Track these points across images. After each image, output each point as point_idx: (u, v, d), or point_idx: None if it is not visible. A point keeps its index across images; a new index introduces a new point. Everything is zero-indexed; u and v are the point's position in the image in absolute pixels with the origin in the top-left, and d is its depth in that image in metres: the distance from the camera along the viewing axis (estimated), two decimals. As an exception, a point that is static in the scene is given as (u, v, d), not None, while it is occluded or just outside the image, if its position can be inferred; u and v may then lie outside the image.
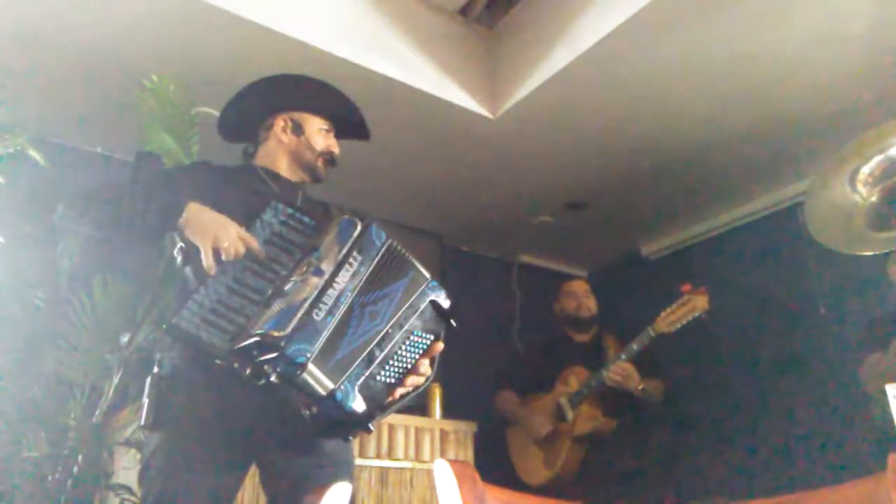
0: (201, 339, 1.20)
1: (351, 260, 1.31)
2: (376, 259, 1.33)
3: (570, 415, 2.79)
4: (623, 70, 2.55)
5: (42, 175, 2.33)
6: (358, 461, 2.47)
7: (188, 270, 1.34)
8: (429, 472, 2.65)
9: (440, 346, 1.43)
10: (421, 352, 1.40)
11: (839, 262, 2.86)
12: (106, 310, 2.18)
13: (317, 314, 1.23)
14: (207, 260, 1.26)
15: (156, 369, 1.38)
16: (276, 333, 1.18)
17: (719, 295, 2.71)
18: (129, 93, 2.31)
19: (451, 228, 3.88)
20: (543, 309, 3.34)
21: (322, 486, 1.35)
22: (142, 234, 1.39)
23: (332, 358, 1.24)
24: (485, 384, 3.12)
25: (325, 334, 1.23)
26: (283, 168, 1.67)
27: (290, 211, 1.37)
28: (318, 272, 1.27)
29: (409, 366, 1.38)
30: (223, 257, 1.27)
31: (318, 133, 1.70)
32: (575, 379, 2.84)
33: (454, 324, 1.44)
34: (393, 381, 1.35)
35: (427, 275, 1.41)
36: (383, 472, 2.60)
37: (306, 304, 1.23)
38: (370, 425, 1.32)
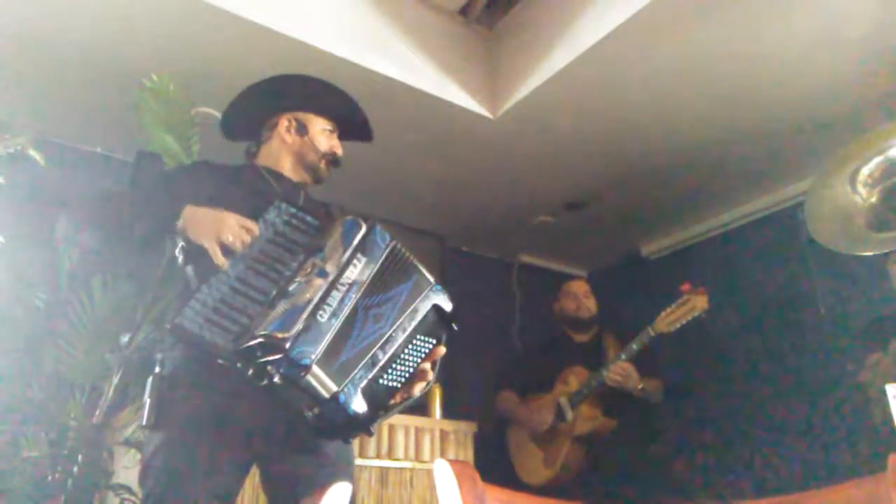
0: (204, 338, 1.20)
1: (355, 261, 1.30)
2: (380, 261, 1.33)
3: (569, 415, 2.79)
4: (623, 70, 2.55)
5: (42, 175, 2.33)
6: (358, 461, 2.47)
7: (190, 270, 1.33)
8: (429, 472, 2.65)
9: (442, 350, 1.43)
10: (423, 355, 1.40)
11: (839, 262, 2.87)
12: (106, 310, 2.19)
13: (321, 316, 1.23)
14: (217, 258, 1.26)
15: (157, 369, 1.38)
16: (280, 335, 1.18)
17: (719, 295, 2.72)
18: (129, 93, 2.31)
19: (452, 229, 3.88)
20: (543, 309, 3.34)
21: (322, 487, 1.35)
22: (139, 242, 1.40)
23: (336, 360, 1.24)
24: (485, 384, 3.12)
25: (329, 336, 1.23)
26: (287, 168, 1.67)
27: (293, 210, 1.37)
28: (323, 273, 1.27)
29: (412, 369, 1.38)
30: (232, 249, 1.27)
31: (322, 133, 1.70)
32: (575, 379, 2.84)
33: (456, 328, 1.44)
34: (395, 384, 1.35)
35: (431, 278, 1.41)
36: (383, 472, 2.60)
37: (310, 306, 1.22)
38: (371, 428, 1.32)
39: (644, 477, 2.68)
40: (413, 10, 2.76)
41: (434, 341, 1.41)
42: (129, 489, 2.07)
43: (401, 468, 2.64)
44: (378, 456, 2.60)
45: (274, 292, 1.26)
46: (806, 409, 3.06)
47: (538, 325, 3.80)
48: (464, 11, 2.88)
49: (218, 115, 2.17)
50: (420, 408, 2.92)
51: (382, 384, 1.33)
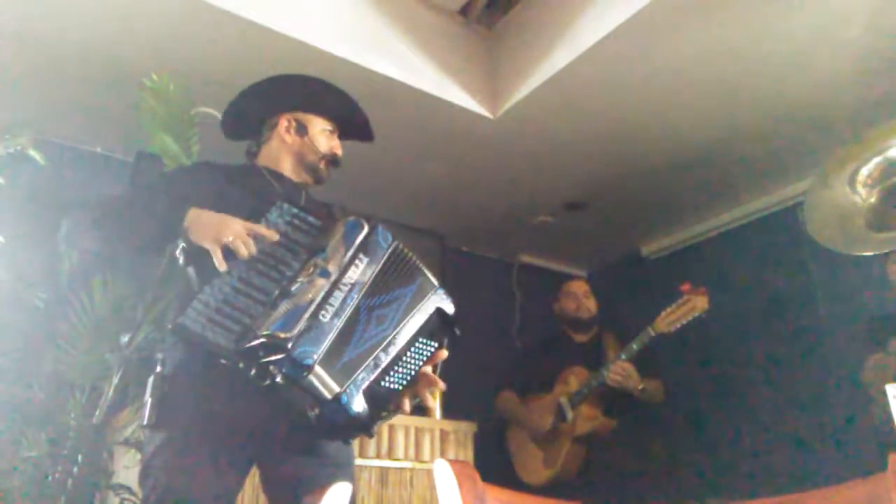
0: (207, 338, 1.20)
1: (357, 261, 1.30)
2: (382, 261, 1.33)
3: (570, 415, 2.79)
4: (623, 70, 2.55)
5: (42, 175, 2.33)
6: (358, 461, 2.47)
7: (191, 270, 1.33)
8: (429, 472, 2.65)
9: (444, 353, 1.43)
10: (425, 358, 1.40)
11: (839, 262, 2.87)
12: (106, 310, 2.19)
13: (323, 316, 1.23)
14: (219, 261, 1.26)
15: (158, 369, 1.38)
16: (282, 335, 1.18)
17: (719, 295, 2.72)
18: (129, 93, 2.31)
19: (452, 228, 3.88)
20: (543, 309, 3.34)
21: (322, 487, 1.35)
22: (144, 246, 1.40)
23: (338, 361, 1.24)
24: (485, 384, 3.12)
25: (332, 336, 1.23)
26: (287, 168, 1.67)
27: (295, 211, 1.37)
28: (325, 273, 1.27)
29: (414, 372, 1.38)
30: (237, 254, 1.27)
31: (322, 134, 1.69)
32: (575, 379, 2.84)
33: (457, 332, 1.44)
34: (396, 386, 1.35)
35: (435, 281, 1.41)
36: (383, 472, 2.60)
37: (313, 306, 1.22)
38: (372, 430, 1.32)
39: (644, 477, 2.68)
40: (413, 10, 2.76)
41: (436, 344, 1.41)
42: (129, 489, 2.07)
43: (401, 468, 2.64)
44: (378, 456, 2.60)
45: (276, 292, 1.25)
46: (806, 409, 3.06)
47: (538, 325, 3.80)
48: (464, 11, 2.88)
49: (218, 115, 2.17)
50: (420, 408, 2.92)
51: (384, 386, 1.33)
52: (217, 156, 1.72)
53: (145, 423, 1.33)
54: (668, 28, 2.33)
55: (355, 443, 1.57)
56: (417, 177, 3.33)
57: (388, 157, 3.04)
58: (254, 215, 1.35)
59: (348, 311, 1.26)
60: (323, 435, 1.37)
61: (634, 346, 2.68)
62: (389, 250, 1.35)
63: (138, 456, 2.07)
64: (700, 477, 3.20)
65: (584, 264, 4.43)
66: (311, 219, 1.37)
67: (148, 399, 1.34)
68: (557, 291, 3.20)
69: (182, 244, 1.33)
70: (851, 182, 2.06)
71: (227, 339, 1.20)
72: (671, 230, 3.91)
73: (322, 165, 1.68)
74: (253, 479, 1.61)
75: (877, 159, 2.03)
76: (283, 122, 1.68)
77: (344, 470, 1.45)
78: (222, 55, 2.43)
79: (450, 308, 1.42)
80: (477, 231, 3.93)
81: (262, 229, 1.31)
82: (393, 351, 1.32)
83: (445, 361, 1.45)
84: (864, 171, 2.04)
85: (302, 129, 1.67)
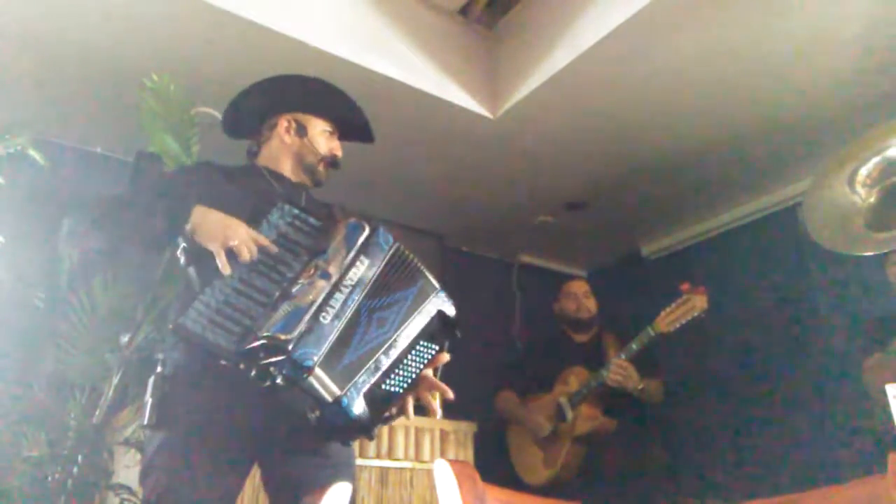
0: (207, 339, 1.20)
1: (358, 263, 1.30)
2: (384, 263, 1.33)
3: (569, 415, 2.79)
4: (623, 70, 2.55)
5: (42, 175, 2.33)
6: (358, 461, 2.47)
7: (192, 271, 1.33)
8: (429, 472, 2.65)
9: (446, 357, 1.43)
10: (426, 361, 1.40)
11: (839, 262, 2.87)
12: (106, 310, 2.19)
13: (324, 318, 1.23)
14: (222, 263, 1.26)
15: (159, 369, 1.38)
16: (283, 336, 1.18)
17: (719, 295, 2.72)
18: (129, 93, 2.31)
19: (452, 228, 3.88)
20: (543, 309, 3.34)
21: (322, 487, 1.35)
22: (150, 243, 1.40)
23: (339, 363, 1.24)
24: (485, 384, 3.12)
25: (332, 338, 1.23)
26: (287, 169, 1.67)
27: (296, 212, 1.36)
28: (326, 275, 1.27)
29: (414, 375, 1.38)
30: (238, 258, 1.27)
31: (321, 135, 1.69)
32: (575, 379, 2.84)
33: (459, 335, 1.43)
34: (397, 389, 1.35)
35: (436, 284, 1.40)
36: (383, 472, 2.60)
37: (314, 308, 1.22)
38: (372, 432, 1.32)
39: (644, 477, 2.68)
40: (413, 10, 2.76)
41: (437, 347, 1.41)
42: (129, 489, 2.07)
43: (401, 468, 2.64)
44: (378, 456, 2.60)
45: (277, 294, 1.25)
46: (806, 409, 3.06)
47: (538, 325, 3.80)
48: (464, 11, 2.88)
49: (218, 115, 2.17)
50: (420, 408, 2.92)
51: (385, 389, 1.32)
52: (217, 156, 1.72)
53: (146, 423, 1.33)
54: (668, 28, 2.33)
55: (355, 443, 1.57)
56: (417, 177, 3.33)
57: (388, 157, 3.04)
58: (255, 216, 1.35)
59: (349, 313, 1.26)
60: (323, 437, 1.37)
61: (634, 346, 2.68)
62: (390, 252, 1.35)
63: (138, 456, 2.07)
64: (700, 477, 3.21)
65: (584, 264, 4.43)
66: (311, 220, 1.37)
67: (148, 399, 1.34)
68: (557, 291, 3.20)
69: (183, 244, 1.33)
70: (850, 182, 2.06)
71: (228, 340, 1.20)
72: (671, 230, 3.91)
73: (320, 167, 1.68)
74: (253, 479, 1.61)
75: (876, 159, 2.03)
76: (283, 123, 1.68)
77: (344, 470, 1.45)
78: (222, 55, 2.43)
79: (451, 311, 1.42)
80: (477, 231, 3.93)
81: (263, 240, 1.30)
82: (394, 353, 1.32)
83: (446, 362, 1.45)
84: (863, 171, 2.04)
85: (301, 130, 1.67)
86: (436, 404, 1.43)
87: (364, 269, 1.31)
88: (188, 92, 2.30)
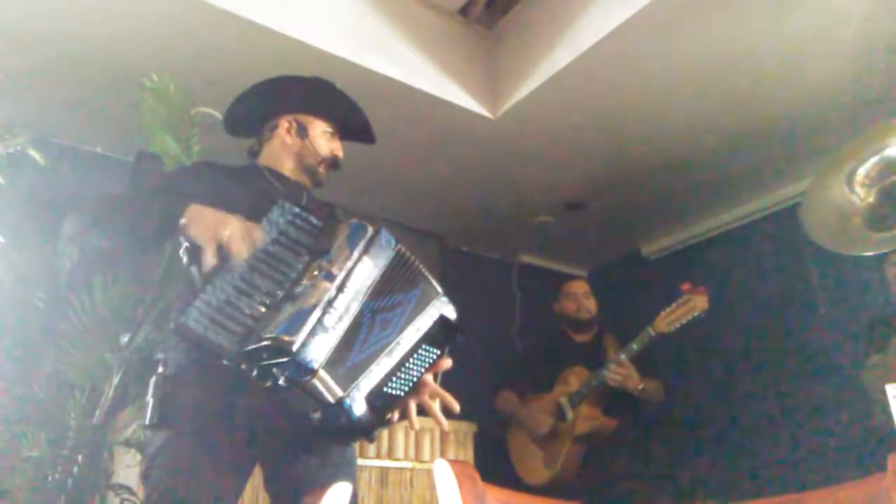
0: (209, 339, 1.19)
1: (361, 264, 1.30)
2: (386, 265, 1.33)
3: (569, 414, 2.79)
4: (623, 70, 2.55)
5: (42, 175, 2.33)
6: (358, 461, 2.47)
7: (194, 270, 1.33)
8: (429, 472, 2.65)
9: (448, 363, 1.43)
10: (427, 365, 1.40)
11: (839, 262, 2.87)
12: (106, 310, 2.18)
13: (327, 319, 1.22)
14: (207, 255, 1.25)
15: (160, 369, 1.38)
16: (287, 337, 1.17)
17: (719, 295, 2.72)
18: (129, 93, 2.31)
19: (452, 229, 3.88)
20: (543, 309, 3.34)
21: (323, 487, 1.35)
22: (144, 242, 1.39)
23: (342, 365, 1.23)
24: (485, 384, 3.12)
25: (336, 340, 1.22)
26: (288, 169, 1.67)
27: (296, 210, 1.36)
28: (329, 276, 1.26)
29: (416, 379, 1.37)
30: (231, 248, 1.26)
31: (322, 136, 1.69)
32: (575, 379, 2.84)
33: (460, 339, 1.43)
34: (399, 393, 1.35)
35: (439, 288, 1.40)
36: (383, 472, 2.60)
37: (317, 309, 1.22)
38: (373, 435, 1.32)
39: (644, 477, 2.68)
40: (413, 10, 2.76)
41: (438, 352, 1.41)
42: (129, 489, 2.07)
43: (401, 468, 2.65)
44: (378, 456, 2.60)
45: (280, 294, 1.25)
46: (806, 409, 3.06)
47: (538, 325, 3.80)
48: (464, 11, 2.88)
49: (218, 115, 2.17)
50: (420, 409, 2.92)
51: (386, 392, 1.32)
52: (217, 156, 1.72)
53: (147, 423, 1.33)
54: (668, 28, 2.33)
55: (355, 443, 1.57)
56: (417, 177, 3.33)
57: (388, 157, 3.03)
58: (255, 214, 1.35)
59: (352, 315, 1.26)
60: (324, 438, 1.37)
61: (634, 346, 2.68)
62: (393, 254, 1.34)
63: (138, 456, 2.07)
64: (700, 477, 3.20)
65: (584, 264, 4.43)
66: (313, 219, 1.36)
67: (150, 399, 1.34)
68: (557, 291, 3.20)
69: (185, 244, 1.32)
70: (849, 182, 2.06)
71: (229, 340, 1.20)
72: (671, 230, 3.91)
73: (321, 168, 1.68)
74: (253, 479, 1.61)
75: (874, 159, 2.03)
76: (284, 124, 1.68)
77: (345, 470, 1.45)
78: (222, 55, 2.43)
79: (453, 315, 1.42)
80: (477, 231, 3.93)
81: (255, 232, 1.29)
82: (396, 357, 1.32)
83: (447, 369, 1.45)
84: (862, 171, 2.04)
85: (302, 131, 1.67)
86: (440, 416, 1.42)
87: (367, 271, 1.30)
88: (188, 92, 2.30)
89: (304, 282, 1.26)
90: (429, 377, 1.42)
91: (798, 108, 2.78)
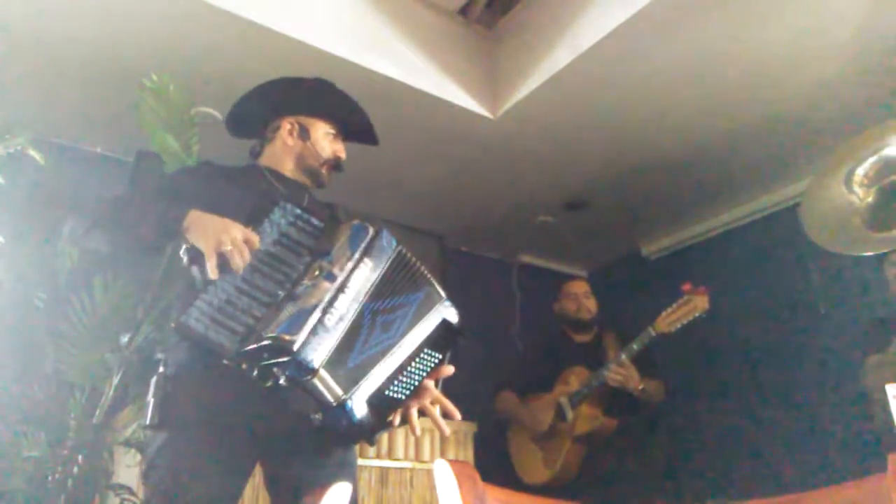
0: (210, 338, 1.19)
1: (362, 265, 1.30)
2: (387, 265, 1.33)
3: (570, 414, 2.79)
4: (623, 70, 2.55)
5: (42, 175, 2.33)
6: (358, 461, 2.47)
7: (195, 270, 1.33)
8: (429, 472, 2.65)
9: (450, 369, 1.43)
10: (428, 370, 1.39)
11: (839, 262, 2.87)
12: (106, 310, 2.18)
13: (328, 319, 1.22)
14: (211, 265, 1.26)
15: (161, 369, 1.38)
16: (287, 337, 1.17)
17: (719, 295, 2.71)
18: (129, 93, 2.31)
19: (452, 229, 3.88)
20: (543, 309, 3.34)
21: (323, 487, 1.35)
22: (144, 244, 1.39)
23: (343, 365, 1.23)
24: (485, 384, 3.12)
25: (336, 340, 1.23)
26: (289, 170, 1.67)
27: (298, 211, 1.36)
28: (330, 277, 1.26)
29: (417, 383, 1.37)
30: (230, 263, 1.25)
31: (325, 138, 1.69)
32: (575, 379, 2.84)
33: (462, 342, 1.43)
34: (400, 396, 1.35)
35: (442, 293, 1.40)
36: (383, 472, 2.60)
37: (318, 309, 1.22)
38: (374, 437, 1.32)
39: (644, 477, 2.68)
40: (413, 10, 2.76)
41: (440, 356, 1.41)
42: (129, 489, 2.07)
43: (401, 468, 2.65)
44: (378, 456, 2.60)
45: (281, 294, 1.25)
46: (806, 409, 3.06)
47: (538, 325, 3.80)
48: (464, 11, 2.89)
49: (218, 115, 2.17)
50: (420, 411, 2.92)
51: (388, 395, 1.32)
52: (217, 156, 1.72)
53: (147, 423, 1.33)
54: (668, 28, 2.33)
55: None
56: (417, 177, 3.33)
57: (388, 157, 3.03)
58: (256, 215, 1.35)
59: (353, 316, 1.26)
60: (324, 439, 1.37)
61: (635, 346, 2.68)
62: (394, 255, 1.34)
63: (138, 456, 2.07)
64: (700, 477, 3.21)
65: (584, 264, 4.43)
66: (314, 220, 1.36)
67: (150, 399, 1.34)
68: (557, 291, 3.20)
69: (185, 245, 1.33)
70: (848, 182, 2.05)
71: (230, 340, 1.20)
72: (671, 230, 3.91)
73: (324, 171, 1.68)
74: (253, 479, 1.61)
75: (872, 158, 2.03)
76: (286, 126, 1.68)
77: (346, 470, 1.45)
78: (222, 55, 2.43)
79: (455, 319, 1.41)
80: (477, 231, 3.93)
81: (255, 242, 1.28)
82: (398, 360, 1.32)
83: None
84: (860, 171, 2.04)
85: (304, 133, 1.67)
86: (441, 421, 1.42)
87: (368, 272, 1.30)
88: (188, 92, 2.30)
89: (306, 282, 1.26)
90: (430, 382, 1.42)
91: (798, 108, 2.78)
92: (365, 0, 2.62)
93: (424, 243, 3.80)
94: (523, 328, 4.06)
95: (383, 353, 1.30)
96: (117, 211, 1.42)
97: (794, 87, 2.65)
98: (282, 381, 1.19)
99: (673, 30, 2.34)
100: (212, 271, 1.25)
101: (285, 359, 1.18)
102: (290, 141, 1.67)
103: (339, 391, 1.22)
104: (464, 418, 2.90)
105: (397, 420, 1.38)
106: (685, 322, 2.59)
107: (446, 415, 1.43)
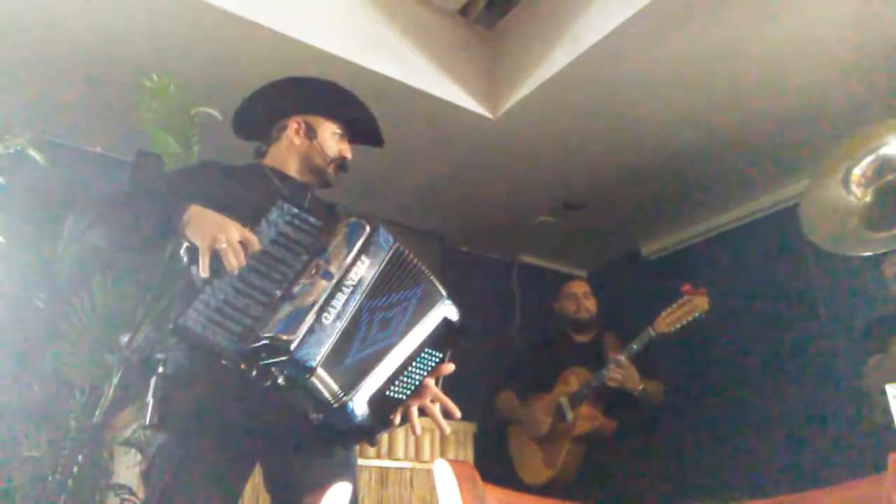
0: (208, 339, 1.19)
1: (359, 263, 1.30)
2: (384, 263, 1.32)
3: (570, 415, 2.79)
4: (623, 70, 2.55)
5: (42, 175, 2.33)
6: (358, 461, 2.47)
7: (195, 270, 1.33)
8: (429, 472, 2.65)
9: (450, 367, 1.42)
10: (429, 369, 1.39)
11: (839, 262, 2.87)
12: (106, 310, 2.18)
13: (326, 318, 1.22)
14: (203, 262, 1.25)
15: (160, 369, 1.38)
16: (284, 336, 1.17)
17: (719, 295, 2.72)
18: (129, 93, 2.31)
19: (452, 229, 3.88)
20: (543, 309, 3.34)
21: (323, 487, 1.35)
22: (144, 242, 1.39)
23: (341, 364, 1.23)
24: (485, 384, 3.12)
25: (334, 339, 1.22)
26: (293, 169, 1.66)
27: (295, 211, 1.36)
28: (327, 275, 1.26)
29: (418, 382, 1.37)
30: (224, 262, 1.25)
31: (332, 138, 1.69)
32: (575, 379, 2.84)
33: (462, 341, 1.43)
34: (400, 396, 1.35)
35: (442, 290, 1.40)
36: (383, 472, 2.60)
37: (315, 308, 1.22)
38: (374, 438, 1.31)
39: (644, 477, 2.68)
40: (413, 10, 2.76)
41: (440, 355, 1.41)
42: (129, 489, 2.07)
43: (401, 468, 2.64)
44: (378, 456, 2.60)
45: (278, 293, 1.25)
46: (806, 409, 3.06)
47: (538, 325, 3.80)
48: (464, 11, 2.88)
49: (218, 115, 2.17)
50: (420, 411, 2.92)
51: (388, 395, 1.32)
52: (217, 156, 1.72)
53: (147, 423, 1.33)
54: (668, 28, 2.33)
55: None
56: (417, 177, 3.33)
57: (387, 157, 3.02)
58: (255, 215, 1.35)
59: (350, 313, 1.26)
60: (325, 439, 1.37)
61: (635, 346, 2.68)
62: (390, 252, 1.34)
63: (138, 456, 2.07)
64: (700, 477, 3.20)
65: (584, 264, 4.43)
66: (311, 219, 1.36)
67: (150, 399, 1.34)
68: (557, 291, 3.20)
69: (186, 244, 1.33)
70: (846, 182, 2.06)
71: (228, 340, 1.20)
72: (671, 230, 3.91)
73: (330, 170, 1.68)
74: (253, 479, 1.61)
75: (869, 158, 2.03)
76: (293, 125, 1.67)
77: (346, 470, 1.45)
78: (222, 55, 2.43)
79: (456, 318, 1.41)
80: (477, 231, 3.93)
81: (253, 241, 1.27)
82: (399, 359, 1.32)
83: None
84: (858, 171, 2.04)
85: (311, 133, 1.67)
86: (442, 420, 1.42)
87: (365, 269, 1.30)
88: (188, 92, 2.30)
89: (302, 281, 1.26)
90: (430, 381, 1.42)
91: (798, 108, 2.78)
92: (365, 0, 2.62)
93: (424, 243, 3.80)
94: (523, 328, 4.06)
95: (383, 352, 1.29)
96: (118, 208, 1.42)
97: (794, 86, 2.65)
98: (280, 381, 1.19)
99: (672, 30, 2.34)
100: (203, 268, 1.24)
101: (283, 358, 1.17)
102: (296, 140, 1.67)
103: (338, 389, 1.22)
104: (464, 418, 2.90)
105: (398, 419, 1.38)
106: (685, 322, 2.59)
107: (447, 413, 1.43)
